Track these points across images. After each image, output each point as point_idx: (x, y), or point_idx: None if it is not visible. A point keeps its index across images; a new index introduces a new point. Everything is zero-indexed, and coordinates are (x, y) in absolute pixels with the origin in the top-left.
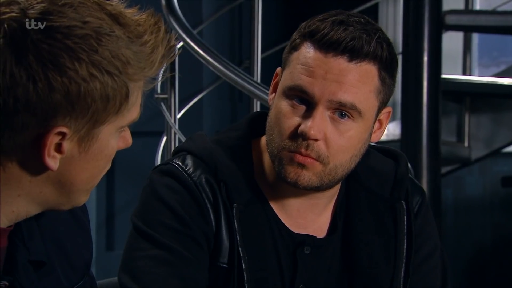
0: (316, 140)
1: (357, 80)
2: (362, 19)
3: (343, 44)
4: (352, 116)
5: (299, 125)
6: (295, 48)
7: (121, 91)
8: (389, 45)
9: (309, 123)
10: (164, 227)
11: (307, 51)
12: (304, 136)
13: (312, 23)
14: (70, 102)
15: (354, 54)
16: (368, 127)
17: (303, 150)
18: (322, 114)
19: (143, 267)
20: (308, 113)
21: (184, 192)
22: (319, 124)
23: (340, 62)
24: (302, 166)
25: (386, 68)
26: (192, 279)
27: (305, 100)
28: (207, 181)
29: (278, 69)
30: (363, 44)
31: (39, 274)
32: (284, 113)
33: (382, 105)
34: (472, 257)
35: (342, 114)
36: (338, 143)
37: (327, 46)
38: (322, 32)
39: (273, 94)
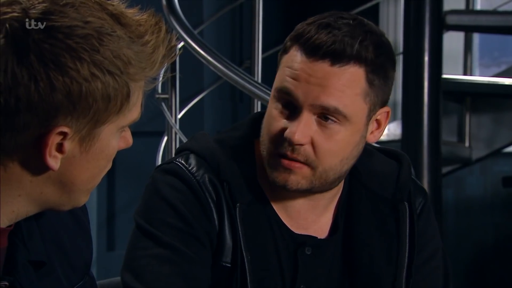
0: (301, 144)
1: (342, 84)
2: (352, 21)
3: (324, 48)
4: (338, 120)
5: (285, 129)
6: (285, 50)
7: (122, 91)
8: (379, 46)
9: (293, 127)
10: (167, 226)
11: (294, 54)
12: (290, 141)
13: (301, 26)
14: (72, 102)
15: (336, 58)
16: (358, 130)
17: (289, 153)
18: (307, 118)
19: (146, 266)
20: (293, 117)
21: (187, 191)
22: (304, 129)
23: (323, 67)
24: (289, 170)
25: (374, 70)
26: (195, 278)
27: (290, 104)
28: (210, 180)
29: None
30: (344, 47)
31: (39, 274)
32: (273, 116)
33: (374, 106)
34: (473, 257)
35: (327, 118)
36: (325, 147)
37: (309, 50)
38: (307, 36)
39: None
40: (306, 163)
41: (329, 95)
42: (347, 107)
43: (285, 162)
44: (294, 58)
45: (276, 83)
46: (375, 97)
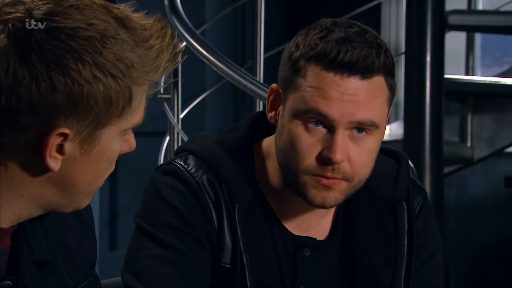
0: (341, 162)
1: (372, 95)
2: (358, 28)
3: (357, 64)
4: (370, 131)
5: (320, 150)
6: (299, 71)
7: (124, 94)
8: (387, 50)
9: (333, 147)
10: (167, 227)
11: (318, 74)
12: (330, 161)
13: (313, 43)
14: (73, 103)
15: (367, 72)
16: (382, 135)
17: (329, 174)
18: (343, 135)
19: (146, 266)
20: (329, 136)
21: (187, 192)
22: (342, 147)
23: (354, 82)
24: (328, 188)
25: (391, 74)
26: (195, 278)
27: (322, 123)
28: (209, 181)
29: (274, 85)
30: (374, 60)
31: (43, 274)
32: (301, 138)
33: (389, 109)
34: (475, 257)
35: (360, 130)
36: (360, 160)
37: (339, 67)
38: (331, 55)
39: (273, 112)
40: (343, 178)
41: (364, 110)
42: (378, 117)
43: (325, 181)
44: (319, 78)
45: (299, 105)
46: (391, 100)
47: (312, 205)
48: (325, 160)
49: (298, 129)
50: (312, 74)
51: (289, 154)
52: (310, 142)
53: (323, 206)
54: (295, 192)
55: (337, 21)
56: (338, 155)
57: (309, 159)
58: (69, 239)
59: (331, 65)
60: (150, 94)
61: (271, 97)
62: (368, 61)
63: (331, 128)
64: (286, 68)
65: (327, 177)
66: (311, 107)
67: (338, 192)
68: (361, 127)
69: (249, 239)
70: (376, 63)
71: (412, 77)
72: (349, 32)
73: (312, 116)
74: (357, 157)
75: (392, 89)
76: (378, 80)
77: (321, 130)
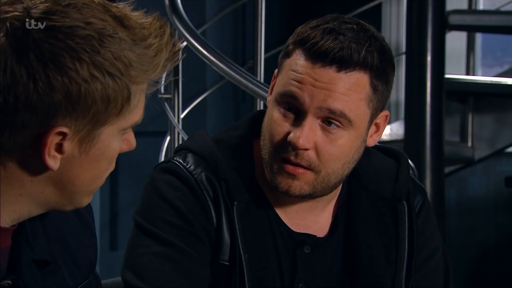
0: (305, 149)
1: (347, 89)
2: (355, 26)
3: (331, 55)
4: (342, 125)
5: (289, 133)
6: (287, 54)
7: (122, 93)
8: (382, 52)
9: (298, 132)
10: (167, 224)
11: (298, 59)
12: (293, 146)
13: (304, 30)
14: (71, 102)
15: (343, 64)
16: (360, 135)
17: (292, 158)
18: (311, 123)
19: (146, 263)
20: (297, 122)
21: (185, 189)
22: (308, 134)
23: (329, 73)
24: (292, 176)
25: (378, 76)
26: (195, 275)
27: (294, 108)
28: (207, 179)
29: (276, 71)
30: (351, 53)
31: (43, 273)
32: (275, 120)
33: (375, 111)
34: (475, 257)
35: (331, 122)
36: (328, 152)
37: (315, 56)
38: (312, 41)
39: (271, 96)
40: (309, 168)
41: (335, 98)
42: (352, 112)
43: (289, 167)
44: (298, 62)
45: (279, 87)
46: (378, 102)
47: (279, 192)
48: (289, 144)
49: (275, 112)
50: (295, 58)
51: (265, 135)
52: (282, 126)
53: (287, 194)
54: (270, 182)
55: (340, 16)
56: (301, 140)
57: (278, 142)
58: (70, 238)
59: (309, 52)
60: (149, 92)
61: (272, 82)
62: (344, 53)
63: (301, 114)
64: (281, 54)
65: (291, 163)
66: (286, 89)
67: (303, 182)
68: (331, 118)
69: (248, 236)
70: (355, 57)
71: (412, 77)
72: (342, 26)
73: (287, 100)
74: (324, 148)
75: (376, 90)
76: (359, 76)
77: (292, 115)
